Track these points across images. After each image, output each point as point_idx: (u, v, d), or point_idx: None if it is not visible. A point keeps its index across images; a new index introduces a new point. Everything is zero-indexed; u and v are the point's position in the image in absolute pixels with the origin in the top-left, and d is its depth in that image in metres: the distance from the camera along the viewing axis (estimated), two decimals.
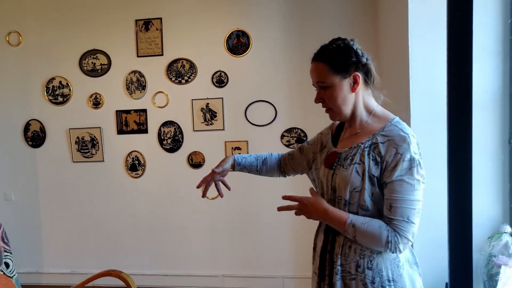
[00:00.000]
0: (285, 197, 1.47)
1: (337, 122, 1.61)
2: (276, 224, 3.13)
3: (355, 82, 1.38)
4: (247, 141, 3.13)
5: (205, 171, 3.18)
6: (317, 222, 1.52)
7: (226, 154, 3.15)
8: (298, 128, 3.07)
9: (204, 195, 1.74)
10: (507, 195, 2.01)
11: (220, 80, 3.13)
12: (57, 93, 3.33)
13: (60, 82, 3.32)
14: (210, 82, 3.14)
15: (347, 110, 1.40)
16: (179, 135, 3.20)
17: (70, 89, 3.31)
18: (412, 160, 1.27)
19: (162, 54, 3.19)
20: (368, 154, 1.34)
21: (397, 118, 1.38)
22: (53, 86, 3.34)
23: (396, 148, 1.29)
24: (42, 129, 3.36)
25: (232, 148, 3.14)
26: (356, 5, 2.95)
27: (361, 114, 1.42)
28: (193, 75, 3.16)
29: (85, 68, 3.29)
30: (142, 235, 3.32)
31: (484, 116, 2.01)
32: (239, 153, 3.09)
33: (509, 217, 2.01)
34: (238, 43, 3.09)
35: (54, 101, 3.34)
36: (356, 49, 1.40)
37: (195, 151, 3.20)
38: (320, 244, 1.46)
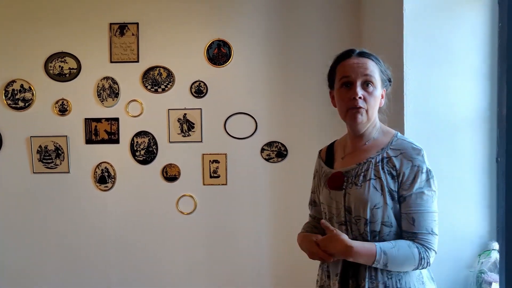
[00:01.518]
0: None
1: (325, 148, 1.58)
2: (255, 238, 3.03)
3: (381, 97, 1.38)
4: (225, 154, 3.02)
5: (180, 184, 3.04)
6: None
7: (204, 167, 3.03)
8: (278, 142, 3.01)
9: None
10: (494, 212, 2.07)
11: (199, 90, 3.02)
12: (18, 97, 3.06)
13: (22, 86, 3.06)
14: (188, 92, 3.02)
15: (373, 118, 1.37)
16: (154, 146, 3.04)
17: (33, 94, 3.05)
18: (428, 171, 1.28)
19: (137, 61, 3.03)
20: (382, 168, 1.30)
21: (399, 133, 1.40)
22: (13, 90, 3.06)
23: (411, 161, 1.28)
24: None
25: (210, 161, 3.02)
26: (339, 20, 2.97)
27: (372, 128, 1.40)
28: (170, 84, 3.02)
29: (51, 71, 3.05)
30: (110, 254, 3.09)
31: (473, 134, 2.07)
32: (216, 166, 3.00)
33: (496, 234, 2.06)
34: (219, 53, 3.00)
35: (13, 105, 3.06)
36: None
37: (171, 164, 3.04)
38: (338, 271, 1.37)
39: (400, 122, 2.08)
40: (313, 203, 1.66)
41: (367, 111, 1.33)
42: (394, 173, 1.29)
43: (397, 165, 1.29)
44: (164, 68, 3.02)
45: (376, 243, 1.26)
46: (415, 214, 1.26)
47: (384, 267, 1.26)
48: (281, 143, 3.01)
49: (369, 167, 1.33)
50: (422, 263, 1.25)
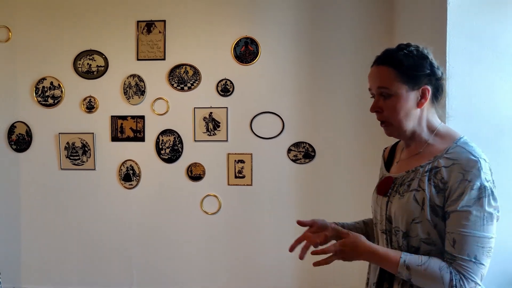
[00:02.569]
0: (313, 252, 1.25)
1: (389, 147, 1.45)
2: (279, 241, 2.94)
3: (423, 97, 1.21)
4: (251, 154, 2.95)
5: (205, 184, 2.99)
6: None
7: (229, 166, 2.96)
8: (306, 143, 2.91)
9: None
10: None
11: (225, 88, 2.96)
12: (47, 95, 3.09)
13: (52, 83, 3.09)
14: (214, 90, 2.97)
15: (408, 126, 1.22)
16: (179, 145, 3.00)
17: (62, 91, 3.08)
18: (483, 188, 1.10)
19: (164, 59, 3.00)
20: (429, 179, 1.16)
21: (465, 137, 1.20)
22: (43, 87, 3.10)
23: (463, 173, 1.11)
24: (28, 133, 3.11)
25: (235, 161, 2.96)
26: (372, 16, 2.85)
27: (423, 132, 1.24)
28: (196, 82, 2.98)
29: (79, 69, 3.07)
30: (132, 250, 3.08)
31: None
32: (242, 166, 2.93)
33: None
34: (246, 51, 2.94)
35: (43, 102, 3.10)
36: (432, 59, 1.23)
37: (195, 163, 3.00)
38: (374, 280, 1.27)
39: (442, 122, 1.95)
40: None
41: (388, 122, 1.23)
42: (441, 186, 1.14)
43: (446, 177, 1.13)
44: (191, 66, 2.98)
45: (404, 254, 1.14)
46: (457, 235, 1.10)
47: (408, 279, 1.14)
48: (309, 144, 2.91)
49: (415, 176, 1.20)
50: None
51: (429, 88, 1.21)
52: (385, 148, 1.47)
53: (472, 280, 1.09)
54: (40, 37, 3.08)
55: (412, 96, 1.20)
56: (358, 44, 2.84)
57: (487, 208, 1.09)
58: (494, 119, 1.92)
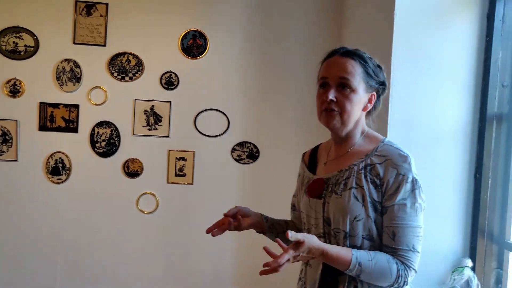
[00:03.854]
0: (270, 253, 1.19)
1: (309, 151, 1.47)
2: (219, 242, 2.84)
3: (369, 101, 1.27)
4: (193, 152, 2.85)
5: (142, 181, 2.83)
6: None
7: (169, 164, 2.84)
8: (250, 143, 2.88)
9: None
10: (469, 229, 2.05)
11: (169, 82, 2.83)
12: None
13: None
14: (158, 82, 2.82)
15: (351, 123, 1.26)
16: (116, 138, 2.81)
17: None
18: (415, 181, 1.18)
19: (104, 45, 2.79)
20: (365, 176, 1.20)
21: (388, 138, 1.29)
22: None
23: (396, 168, 1.17)
24: None
25: (176, 158, 2.84)
26: (320, 20, 2.87)
27: (356, 134, 1.29)
28: (139, 72, 2.81)
29: (3, 47, 2.75)
30: (61, 252, 2.81)
31: (454, 148, 2.03)
32: (183, 164, 2.82)
33: (469, 250, 2.04)
34: (193, 44, 2.83)
35: None
36: (384, 73, 1.31)
37: (133, 158, 2.83)
38: (315, 286, 1.27)
39: (384, 130, 2.02)
40: (293, 207, 1.57)
41: (341, 114, 1.23)
42: (377, 182, 1.18)
43: (381, 173, 1.18)
44: (133, 55, 2.80)
45: (354, 251, 1.15)
46: (396, 228, 1.16)
47: (357, 276, 1.16)
48: (253, 144, 2.88)
49: (350, 174, 1.22)
50: (399, 281, 1.15)
51: (375, 96, 1.28)
52: (304, 153, 1.50)
53: (413, 268, 1.17)
54: None
55: (363, 98, 1.26)
56: (306, 47, 2.86)
57: (418, 200, 1.18)
58: (432, 130, 2.01)
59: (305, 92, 2.83)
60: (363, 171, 1.21)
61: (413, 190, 1.16)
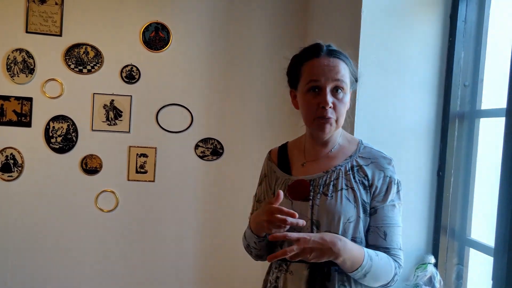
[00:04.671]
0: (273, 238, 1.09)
1: (276, 149, 1.38)
2: (181, 241, 2.80)
3: (350, 99, 1.24)
4: (155, 148, 2.75)
5: (101, 178, 2.71)
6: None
7: (130, 160, 2.73)
8: (214, 139, 2.81)
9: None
10: (431, 226, 2.08)
11: (130, 75, 2.71)
12: None
13: None
14: (118, 76, 2.70)
15: (342, 124, 1.24)
16: (73, 134, 2.67)
17: None
18: (399, 183, 1.21)
19: (60, 35, 2.64)
20: (354, 177, 1.18)
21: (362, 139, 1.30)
22: None
23: (383, 171, 1.19)
24: None
25: (137, 154, 2.73)
26: (286, 14, 2.83)
27: (337, 134, 1.27)
28: (98, 65, 2.68)
29: None
30: (12, 254, 2.65)
31: (418, 146, 2.06)
32: (144, 161, 2.73)
33: (432, 247, 2.08)
34: (156, 37, 2.73)
35: None
36: None
37: (91, 154, 2.70)
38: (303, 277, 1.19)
39: (351, 128, 2.01)
40: None
41: (336, 120, 1.18)
42: (366, 183, 1.18)
43: (369, 175, 1.18)
44: (92, 46, 2.67)
45: (361, 247, 1.14)
46: (387, 228, 1.17)
47: (362, 277, 1.13)
48: (218, 141, 2.82)
49: (339, 175, 1.19)
50: (395, 279, 1.17)
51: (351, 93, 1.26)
52: (270, 151, 1.41)
53: (401, 266, 1.20)
54: None
55: (349, 97, 1.23)
56: (271, 42, 2.81)
57: (401, 200, 1.21)
58: (396, 128, 2.02)
59: (270, 87, 2.80)
60: (350, 172, 1.19)
61: (398, 191, 1.20)
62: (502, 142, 1.32)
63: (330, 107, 1.15)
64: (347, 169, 1.19)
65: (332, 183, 1.18)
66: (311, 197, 1.20)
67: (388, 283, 1.16)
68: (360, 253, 1.11)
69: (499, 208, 1.31)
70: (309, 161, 1.28)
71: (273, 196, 1.26)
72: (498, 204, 1.33)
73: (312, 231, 1.18)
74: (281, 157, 1.34)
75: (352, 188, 1.17)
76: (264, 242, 1.27)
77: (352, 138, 1.29)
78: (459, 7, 1.96)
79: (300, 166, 1.28)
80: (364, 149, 1.24)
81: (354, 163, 1.20)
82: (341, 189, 1.17)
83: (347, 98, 1.20)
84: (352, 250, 1.11)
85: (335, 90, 1.17)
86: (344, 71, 1.18)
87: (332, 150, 1.25)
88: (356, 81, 1.28)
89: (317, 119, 1.18)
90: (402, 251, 1.21)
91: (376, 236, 1.17)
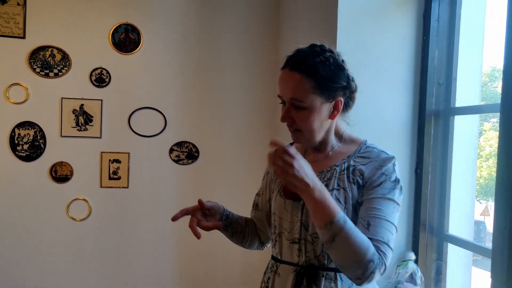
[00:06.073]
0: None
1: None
2: (158, 248, 2.72)
3: (335, 108, 1.17)
4: (128, 153, 2.67)
5: (72, 186, 2.60)
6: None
7: (102, 166, 2.63)
8: (189, 142, 2.75)
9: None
10: (411, 223, 2.10)
11: (100, 78, 2.62)
12: None
13: None
14: (87, 79, 2.60)
15: (319, 136, 1.20)
16: (41, 140, 2.55)
17: None
18: (397, 181, 1.15)
19: (23, 37, 2.51)
20: (348, 177, 1.16)
21: (368, 140, 1.26)
22: None
23: (380, 168, 1.15)
24: None
25: (109, 160, 2.64)
26: (259, 16, 2.81)
27: (331, 139, 1.24)
28: (65, 68, 2.57)
29: None
30: None
31: (395, 144, 2.08)
32: (117, 167, 2.64)
33: (412, 244, 2.10)
34: (126, 39, 2.64)
35: None
36: (348, 70, 1.20)
37: (61, 162, 2.58)
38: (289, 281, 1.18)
39: None
40: (255, 206, 1.47)
41: (303, 133, 1.18)
42: (361, 182, 1.14)
43: (366, 173, 1.14)
44: (59, 49, 2.56)
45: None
46: (371, 218, 1.08)
47: (330, 240, 1.03)
48: (193, 144, 2.76)
49: (332, 175, 1.17)
50: (369, 266, 1.01)
51: (342, 100, 1.18)
52: (269, 154, 1.40)
53: (385, 263, 1.05)
54: None
55: (325, 108, 1.16)
56: (244, 42, 2.78)
57: (397, 199, 1.13)
58: (374, 126, 2.04)
59: (245, 88, 2.77)
60: (345, 172, 1.17)
61: (394, 188, 1.13)
62: (498, 139, 1.31)
63: (289, 121, 1.18)
64: (343, 169, 1.18)
65: (325, 183, 1.16)
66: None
67: (361, 267, 1.02)
68: (336, 207, 1.04)
69: (497, 205, 1.30)
70: (308, 161, 1.27)
71: (269, 195, 1.34)
72: (495, 201, 1.31)
73: (301, 232, 1.18)
74: None
75: (344, 189, 1.14)
76: (228, 232, 1.40)
77: (355, 139, 1.26)
78: (432, 7, 1.99)
79: None
80: (366, 149, 1.21)
81: (351, 163, 1.18)
82: (332, 189, 1.15)
83: (314, 113, 1.14)
84: (328, 197, 1.04)
85: (294, 107, 1.15)
86: (300, 85, 1.13)
87: (330, 153, 1.24)
88: (347, 88, 1.19)
89: (289, 129, 1.22)
90: (390, 249, 1.07)
91: (360, 227, 1.08)
